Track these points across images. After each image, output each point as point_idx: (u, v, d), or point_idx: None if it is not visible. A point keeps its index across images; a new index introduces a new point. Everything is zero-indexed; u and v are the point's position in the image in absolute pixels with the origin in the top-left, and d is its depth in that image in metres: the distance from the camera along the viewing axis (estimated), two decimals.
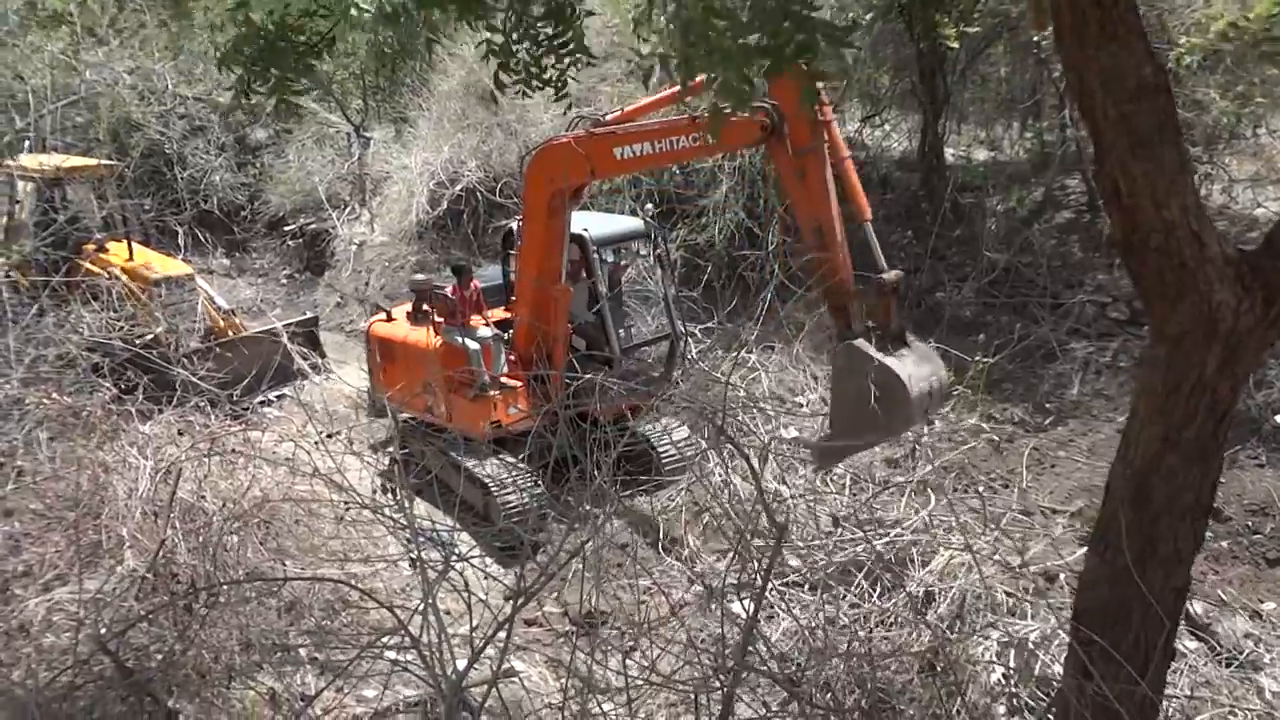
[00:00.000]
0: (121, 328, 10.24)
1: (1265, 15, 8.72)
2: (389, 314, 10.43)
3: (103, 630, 5.17)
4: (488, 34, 4.23)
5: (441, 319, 9.39)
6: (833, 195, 7.34)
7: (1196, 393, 3.49)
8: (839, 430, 7.36)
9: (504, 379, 9.33)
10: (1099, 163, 3.47)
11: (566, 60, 4.25)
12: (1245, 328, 3.36)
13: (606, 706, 4.71)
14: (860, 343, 7.05)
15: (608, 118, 8.86)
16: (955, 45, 11.52)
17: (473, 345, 9.16)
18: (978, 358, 10.26)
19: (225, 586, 5.57)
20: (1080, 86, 3.39)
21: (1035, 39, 11.35)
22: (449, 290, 9.43)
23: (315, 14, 4.17)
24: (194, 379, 9.23)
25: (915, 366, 7.08)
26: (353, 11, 4.05)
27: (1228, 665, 6.16)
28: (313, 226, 18.27)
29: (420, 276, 10.55)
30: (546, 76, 4.41)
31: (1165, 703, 5.21)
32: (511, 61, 4.30)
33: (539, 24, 4.31)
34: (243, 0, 3.97)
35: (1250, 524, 8.24)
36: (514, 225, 9.87)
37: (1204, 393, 3.48)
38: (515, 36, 4.29)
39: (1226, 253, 3.39)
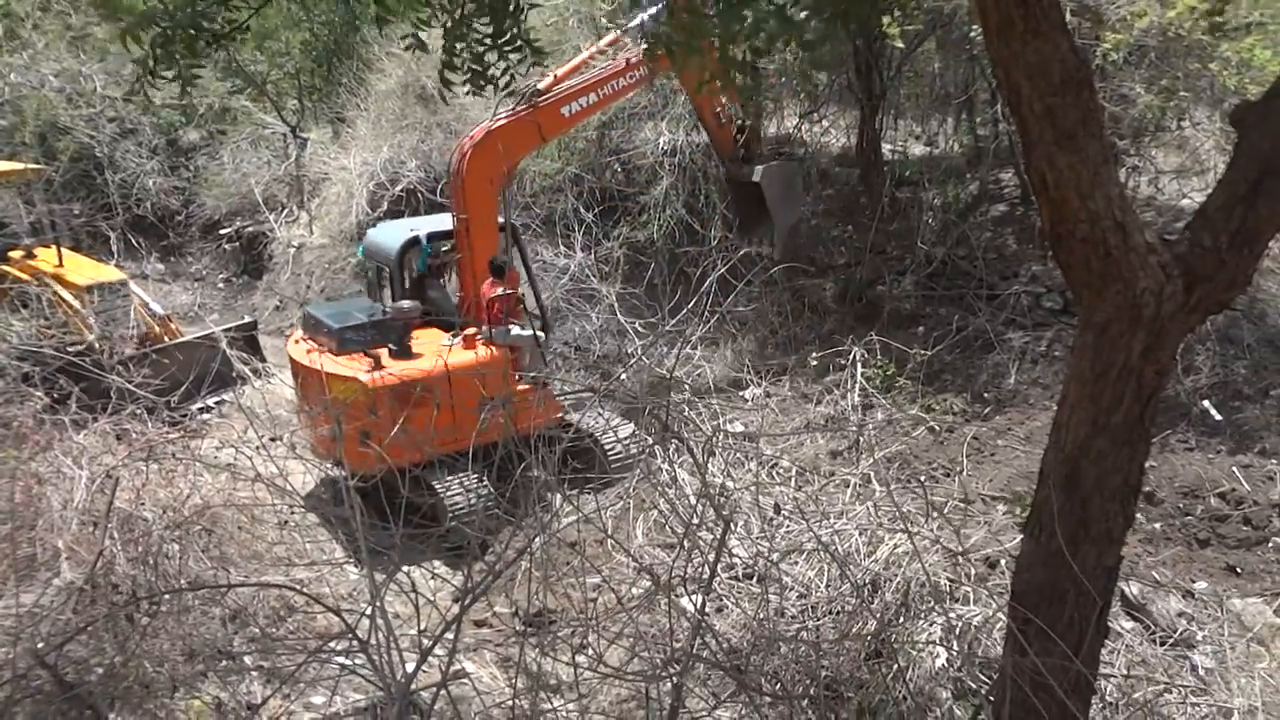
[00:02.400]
0: (53, 335, 10.00)
1: (1180, 15, 9.03)
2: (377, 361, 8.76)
3: (40, 644, 5.05)
4: (414, 30, 4.19)
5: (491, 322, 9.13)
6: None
7: (1123, 378, 3.60)
8: (784, 222, 12.22)
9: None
10: (1026, 156, 3.57)
11: (513, 57, 4.24)
12: (1168, 314, 3.48)
13: (557, 703, 4.72)
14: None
15: (541, 85, 9.34)
16: (900, 45, 11.69)
17: (526, 333, 9.12)
18: (917, 350, 10.44)
19: (166, 596, 5.47)
20: (1007, 81, 3.47)
21: (968, 34, 11.55)
22: (491, 291, 9.16)
23: (227, 3, 4.09)
24: (129, 386, 9.03)
25: None
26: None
27: (1162, 644, 6.34)
28: (250, 229, 18.00)
29: (407, 304, 9.38)
30: (490, 74, 4.40)
31: (1103, 681, 5.36)
32: (455, 60, 4.28)
33: (475, 21, 4.29)
34: None
35: (1181, 506, 8.49)
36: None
37: (1130, 377, 3.59)
38: (460, 33, 4.27)
39: (1149, 242, 3.50)
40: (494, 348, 9.02)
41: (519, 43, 4.24)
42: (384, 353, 8.77)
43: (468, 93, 4.48)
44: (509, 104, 9.11)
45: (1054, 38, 3.31)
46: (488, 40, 4.27)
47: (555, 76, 9.58)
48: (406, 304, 9.27)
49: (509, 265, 9.33)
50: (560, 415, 9.26)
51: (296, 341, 9.22)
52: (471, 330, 9.12)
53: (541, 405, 8.58)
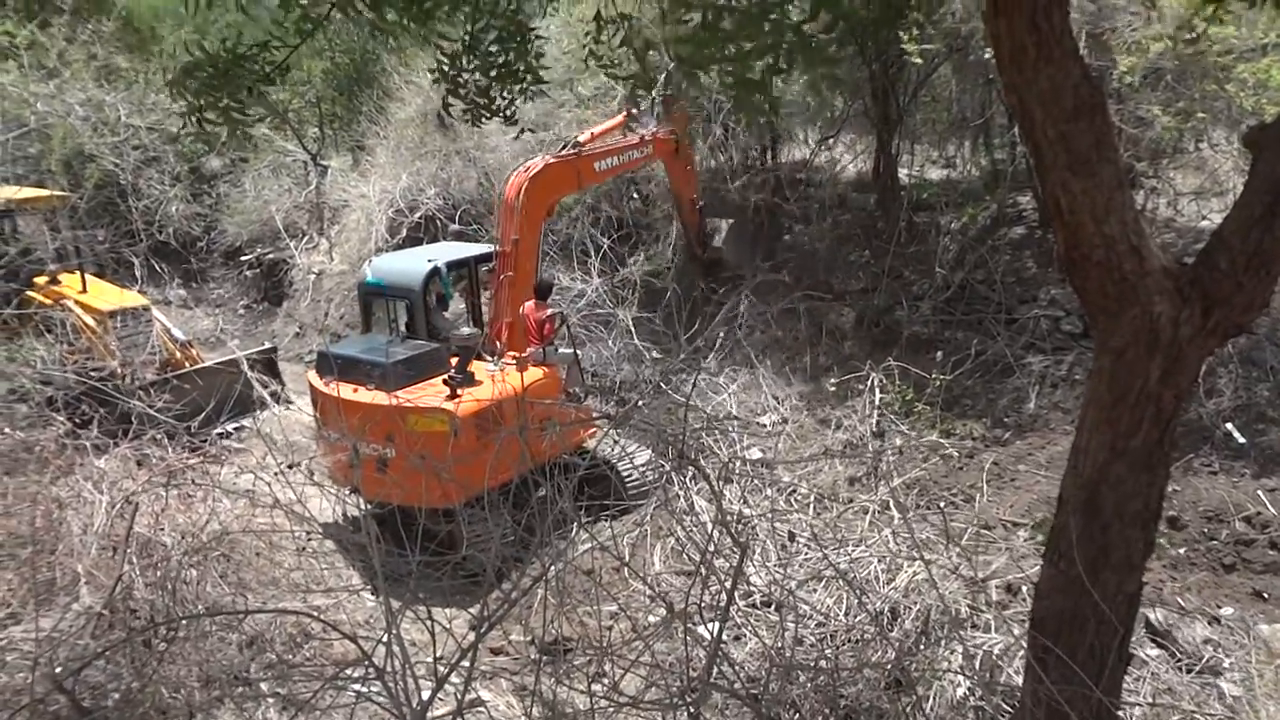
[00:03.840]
0: (76, 360, 10.10)
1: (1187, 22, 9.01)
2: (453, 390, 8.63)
3: (58, 669, 5.07)
4: (440, 59, 4.26)
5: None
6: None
7: (1141, 402, 3.57)
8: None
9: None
10: (1041, 181, 3.56)
11: (517, 88, 4.29)
12: (1185, 338, 3.45)
13: None
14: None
15: (581, 139, 10.65)
16: (919, 60, 11.72)
17: (570, 351, 9.62)
18: (935, 374, 10.39)
19: (184, 621, 5.49)
20: (1021, 108, 3.48)
21: (984, 58, 11.57)
22: (540, 312, 9.46)
23: (268, 45, 4.18)
24: (150, 411, 9.12)
25: None
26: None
27: (1188, 671, 6.25)
28: (270, 256, 18.16)
29: (467, 331, 9.49)
30: (495, 106, 4.45)
31: (1127, 710, 5.28)
32: (460, 89, 4.33)
33: (492, 50, 4.34)
34: (198, 27, 3.99)
35: (1206, 530, 8.39)
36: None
37: (1148, 402, 3.56)
38: (465, 61, 4.32)
39: (1165, 266, 3.48)
40: (545, 368, 9.28)
41: (523, 74, 4.29)
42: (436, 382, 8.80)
43: (467, 121, 4.53)
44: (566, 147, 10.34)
45: (1066, 64, 3.32)
46: (491, 72, 4.32)
47: (591, 134, 10.95)
48: (466, 331, 9.42)
49: (553, 285, 9.95)
50: (591, 432, 9.67)
51: (328, 384, 9.15)
52: (524, 353, 9.29)
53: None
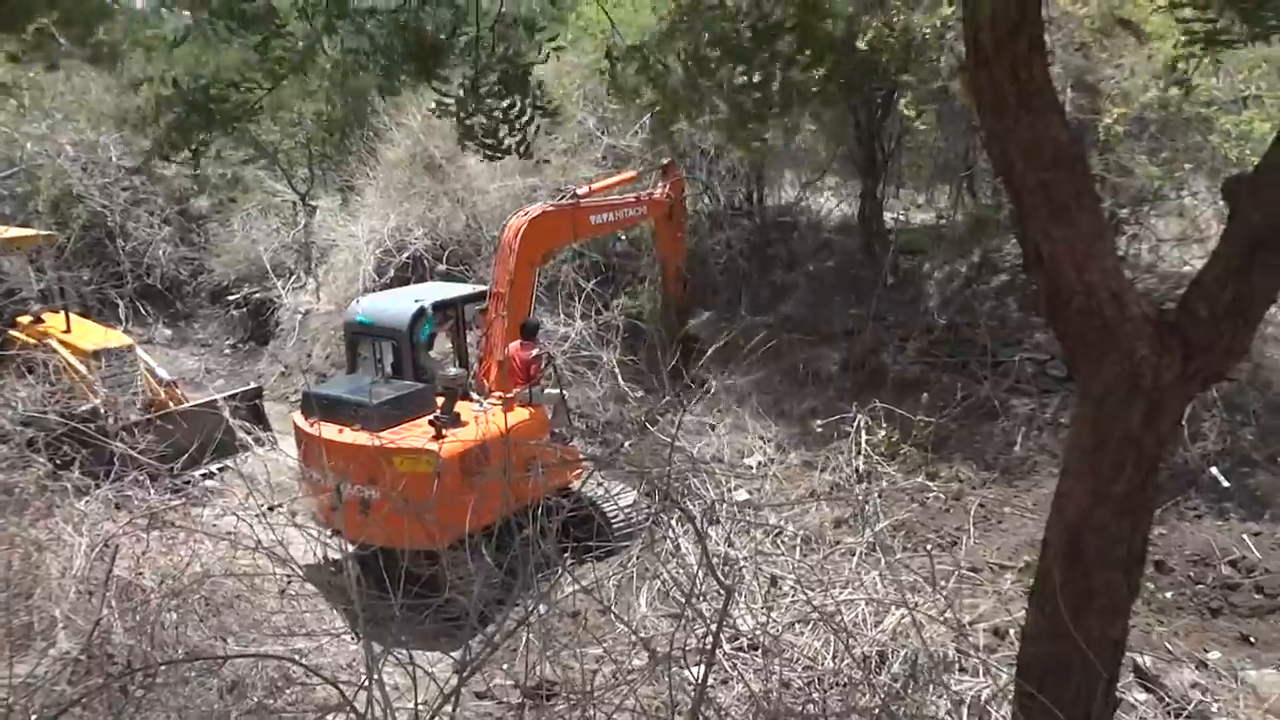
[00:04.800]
0: (58, 400, 10.03)
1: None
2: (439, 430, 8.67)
3: (34, 717, 4.98)
4: (440, 101, 4.31)
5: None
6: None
7: (1123, 447, 3.59)
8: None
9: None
10: (1021, 228, 3.61)
11: (524, 125, 4.35)
12: (1166, 383, 3.48)
13: None
14: None
15: (579, 192, 10.99)
16: (912, 114, 11.88)
17: (556, 391, 9.63)
18: (922, 417, 10.42)
19: (163, 667, 5.41)
20: (1001, 156, 3.54)
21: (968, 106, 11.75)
22: (526, 353, 9.47)
23: (240, 85, 4.19)
24: (133, 452, 9.04)
25: None
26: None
27: (1176, 716, 6.22)
28: (257, 296, 18.11)
29: (453, 372, 9.48)
30: (505, 145, 4.50)
31: None
32: (471, 131, 4.39)
33: (494, 92, 4.41)
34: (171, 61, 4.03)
35: (1192, 574, 8.39)
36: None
37: (1130, 447, 3.59)
38: (470, 107, 4.38)
39: (1146, 312, 3.52)
40: (531, 408, 9.26)
41: (529, 112, 4.35)
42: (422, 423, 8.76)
43: (483, 160, 4.59)
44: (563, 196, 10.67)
45: (1046, 114, 3.38)
46: (498, 113, 4.38)
47: (590, 188, 11.28)
48: (453, 371, 9.39)
49: (539, 326, 9.96)
50: (578, 473, 9.52)
51: (313, 424, 9.11)
52: (509, 394, 9.24)
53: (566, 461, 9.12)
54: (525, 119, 4.44)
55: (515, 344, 9.45)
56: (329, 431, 8.46)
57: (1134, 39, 9.85)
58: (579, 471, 9.54)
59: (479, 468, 8.22)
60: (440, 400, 8.95)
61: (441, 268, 14.91)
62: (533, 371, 9.39)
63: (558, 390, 9.93)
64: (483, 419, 8.65)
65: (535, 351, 9.49)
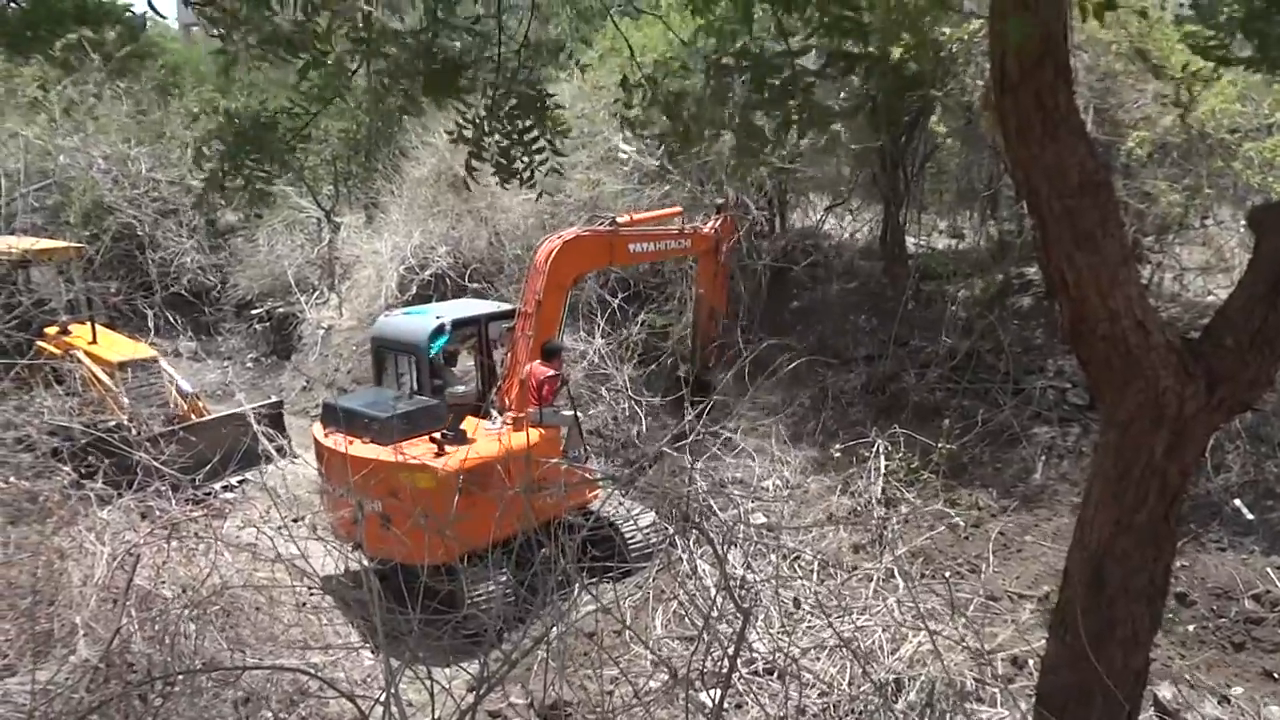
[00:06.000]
0: (83, 411, 10.13)
1: (1205, 116, 9.13)
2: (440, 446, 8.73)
3: None
4: (460, 122, 4.36)
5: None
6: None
7: (1147, 476, 3.57)
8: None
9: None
10: (1045, 255, 3.60)
11: (538, 158, 4.39)
12: (1190, 413, 3.47)
13: None
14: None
15: (619, 220, 10.81)
16: (943, 129, 11.85)
17: (569, 414, 9.53)
18: (941, 443, 10.36)
19: (180, 676, 5.44)
20: (1026, 183, 3.54)
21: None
22: (542, 373, 9.41)
23: (290, 111, 4.28)
24: (156, 463, 9.11)
25: None
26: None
27: None
28: (280, 310, 18.28)
29: (462, 389, 9.89)
30: (515, 168, 4.54)
31: None
32: (483, 152, 4.43)
33: (513, 116, 4.45)
34: (218, 86, 4.10)
35: (1215, 608, 8.28)
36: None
37: (1154, 476, 3.57)
38: (487, 128, 4.42)
39: (1170, 341, 3.51)
40: (543, 429, 9.19)
41: (542, 142, 4.39)
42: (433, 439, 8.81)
43: (499, 183, 4.63)
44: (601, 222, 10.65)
45: (1072, 141, 3.38)
46: (514, 136, 4.42)
47: (631, 218, 11.10)
48: (461, 389, 9.54)
49: (561, 349, 9.77)
50: (595, 494, 9.59)
51: (327, 434, 9.18)
52: (520, 413, 9.25)
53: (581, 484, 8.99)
54: (537, 147, 4.49)
55: (535, 364, 9.48)
56: (341, 443, 8.63)
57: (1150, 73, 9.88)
58: (595, 493, 9.56)
59: (482, 486, 8.20)
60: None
61: (476, 285, 15.00)
62: (545, 392, 9.35)
63: (571, 412, 9.90)
64: (490, 438, 8.71)
65: (552, 372, 9.45)
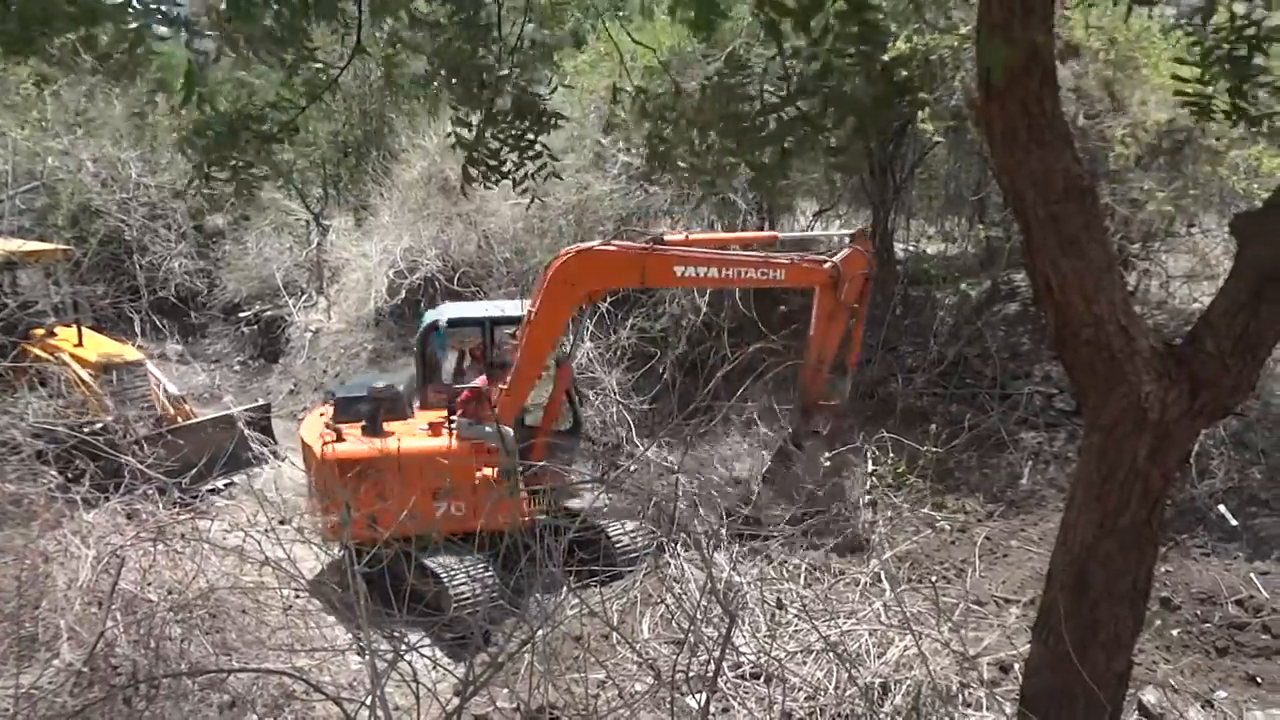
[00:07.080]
0: (69, 414, 10.09)
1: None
2: (339, 434, 9.02)
3: None
4: (457, 132, 4.38)
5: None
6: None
7: (1129, 480, 3.60)
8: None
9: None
10: (1031, 260, 3.64)
11: (533, 165, 4.42)
12: (1173, 418, 3.50)
13: None
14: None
15: (666, 238, 9.50)
16: (930, 128, 11.92)
17: (489, 432, 8.99)
18: (928, 448, 10.40)
19: (165, 680, 5.42)
20: (1012, 188, 3.57)
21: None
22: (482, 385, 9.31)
23: (277, 105, 4.29)
24: (142, 466, 9.08)
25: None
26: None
27: None
28: (268, 313, 18.22)
29: (381, 384, 9.83)
30: (505, 169, 4.56)
31: None
32: (476, 155, 4.45)
33: (510, 119, 4.47)
34: (207, 83, 4.09)
35: (1199, 613, 8.33)
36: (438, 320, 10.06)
37: (1137, 480, 3.60)
38: (485, 132, 4.44)
39: (1154, 346, 3.54)
40: (458, 440, 9.05)
41: (537, 149, 4.41)
42: (357, 429, 9.13)
43: (488, 185, 4.64)
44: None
45: (1057, 147, 3.41)
46: (509, 139, 4.44)
47: (687, 236, 10.06)
48: (380, 384, 9.77)
49: (511, 365, 9.13)
50: (527, 518, 8.69)
51: (328, 426, 9.29)
52: (439, 419, 9.29)
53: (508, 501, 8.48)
54: (534, 153, 4.50)
55: (481, 377, 9.41)
56: (322, 445, 8.94)
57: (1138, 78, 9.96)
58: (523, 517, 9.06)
59: (355, 480, 8.48)
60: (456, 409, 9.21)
61: (465, 290, 15.00)
62: (470, 408, 9.07)
63: (495, 429, 9.00)
64: (404, 437, 8.99)
65: (477, 386, 9.20)
